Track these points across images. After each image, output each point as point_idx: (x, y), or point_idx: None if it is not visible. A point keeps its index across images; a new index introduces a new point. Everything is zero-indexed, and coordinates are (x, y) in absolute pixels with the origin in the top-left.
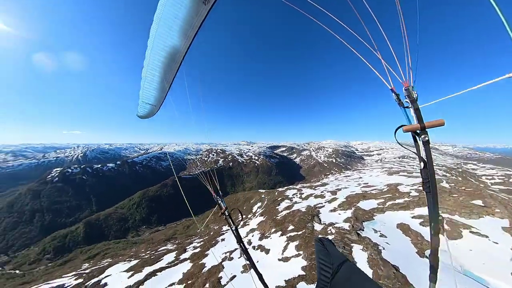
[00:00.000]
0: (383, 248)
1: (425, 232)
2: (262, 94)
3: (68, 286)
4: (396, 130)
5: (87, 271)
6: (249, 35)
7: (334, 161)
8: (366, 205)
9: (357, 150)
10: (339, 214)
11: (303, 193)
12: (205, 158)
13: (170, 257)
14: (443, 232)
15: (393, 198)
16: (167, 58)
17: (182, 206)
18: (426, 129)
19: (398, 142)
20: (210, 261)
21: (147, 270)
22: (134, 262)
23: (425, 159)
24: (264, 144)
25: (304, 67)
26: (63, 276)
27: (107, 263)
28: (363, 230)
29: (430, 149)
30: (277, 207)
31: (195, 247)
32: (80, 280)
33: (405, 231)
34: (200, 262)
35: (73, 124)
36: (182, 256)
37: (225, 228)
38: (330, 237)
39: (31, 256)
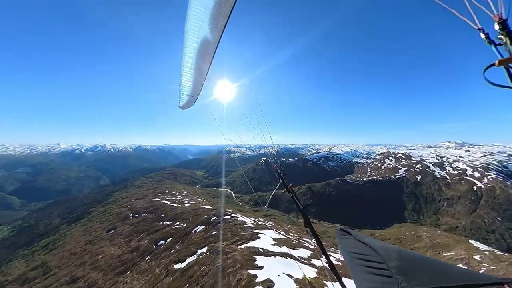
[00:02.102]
0: None
1: None
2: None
3: (247, 223)
4: (487, 68)
5: (259, 222)
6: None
7: None
8: None
9: None
10: None
11: None
12: (379, 164)
13: (305, 252)
14: None
15: None
16: (200, 50)
17: (339, 209)
18: None
19: (488, 81)
20: None
21: (284, 249)
22: (281, 236)
23: None
24: (499, 148)
25: None
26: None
27: (269, 225)
28: None
29: None
30: None
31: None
32: (253, 225)
33: None
34: (323, 281)
35: (274, 131)
36: (314, 261)
37: None
38: None
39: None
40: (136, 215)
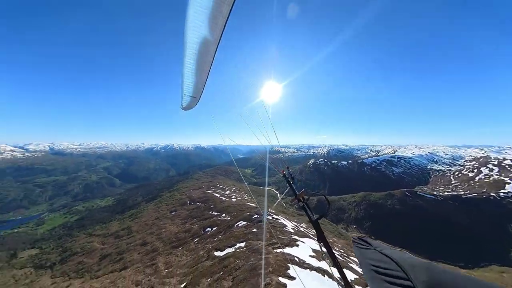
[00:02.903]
0: None
1: None
2: None
3: (287, 227)
4: None
5: (301, 228)
6: None
7: None
8: None
9: None
10: None
11: None
12: (470, 173)
13: (349, 275)
14: None
15: None
16: (201, 51)
17: (404, 229)
18: None
19: None
20: None
21: (323, 264)
22: (323, 248)
23: None
24: None
25: None
26: (295, 221)
27: (312, 233)
28: None
29: None
30: None
31: None
32: (294, 230)
33: None
34: None
35: (323, 130)
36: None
37: None
38: None
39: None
40: (192, 203)
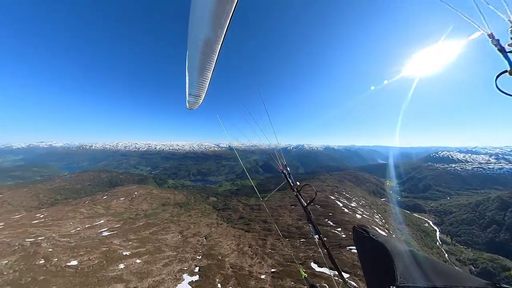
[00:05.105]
0: None
1: None
2: None
3: None
4: (498, 76)
5: None
6: None
7: None
8: None
9: None
10: None
11: None
12: None
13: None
14: None
15: None
16: (204, 50)
17: None
18: None
19: (500, 90)
20: None
21: None
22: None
23: None
24: None
25: None
26: None
27: None
28: None
29: None
30: None
31: None
32: None
33: None
34: None
35: None
36: None
37: None
38: None
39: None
40: (311, 204)
